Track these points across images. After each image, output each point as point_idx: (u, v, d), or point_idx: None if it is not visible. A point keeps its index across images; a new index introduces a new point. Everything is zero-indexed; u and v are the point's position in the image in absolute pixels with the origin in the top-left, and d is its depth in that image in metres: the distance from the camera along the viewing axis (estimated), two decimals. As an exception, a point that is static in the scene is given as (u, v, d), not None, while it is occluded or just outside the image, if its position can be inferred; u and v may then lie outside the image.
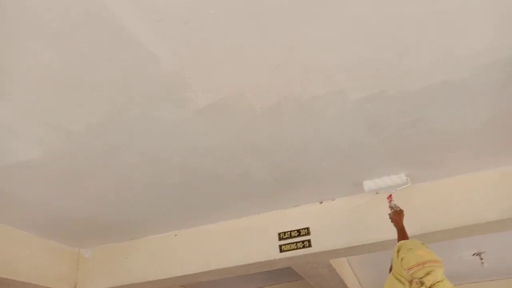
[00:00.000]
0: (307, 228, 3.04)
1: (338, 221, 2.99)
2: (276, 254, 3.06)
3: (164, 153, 2.24)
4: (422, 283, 1.55)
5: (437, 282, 1.54)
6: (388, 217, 2.70)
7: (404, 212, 2.53)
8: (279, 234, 3.09)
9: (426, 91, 1.88)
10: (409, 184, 2.66)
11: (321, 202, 3.09)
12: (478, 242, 4.37)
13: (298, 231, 3.06)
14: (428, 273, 1.56)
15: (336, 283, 4.04)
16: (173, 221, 3.20)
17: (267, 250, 3.08)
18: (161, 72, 1.63)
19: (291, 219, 3.10)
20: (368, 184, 2.75)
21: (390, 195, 2.65)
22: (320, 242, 2.98)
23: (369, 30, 1.52)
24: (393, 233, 2.72)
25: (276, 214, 3.15)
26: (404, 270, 1.61)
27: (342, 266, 4.16)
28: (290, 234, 3.07)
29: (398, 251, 1.71)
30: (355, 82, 1.80)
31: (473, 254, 4.78)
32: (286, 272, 4.40)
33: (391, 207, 2.58)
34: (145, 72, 1.63)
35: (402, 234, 2.31)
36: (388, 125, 2.14)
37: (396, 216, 2.45)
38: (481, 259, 4.77)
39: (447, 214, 2.70)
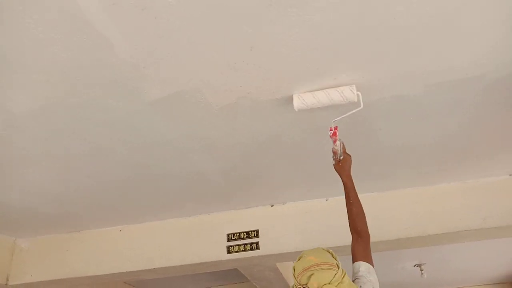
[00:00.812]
0: (257, 231, 3.04)
1: (288, 225, 3.01)
2: (223, 255, 3.03)
3: (111, 145, 2.14)
4: None
5: (324, 285, 1.42)
6: (336, 223, 2.75)
7: None
8: (228, 235, 3.07)
9: (379, 103, 1.92)
10: (361, 107, 1.77)
11: (272, 205, 3.10)
12: (419, 254, 4.55)
13: (247, 233, 3.05)
14: (309, 277, 1.46)
15: (282, 286, 4.06)
16: (118, 216, 3.08)
17: (214, 251, 3.05)
18: (113, 59, 1.55)
19: (241, 221, 3.08)
20: (301, 99, 1.79)
21: (335, 132, 1.75)
22: (268, 245, 2.99)
23: (328, 40, 1.53)
24: (341, 239, 2.77)
25: (226, 215, 3.12)
26: (295, 279, 1.52)
27: (289, 270, 4.18)
28: (239, 235, 3.06)
29: (298, 260, 1.59)
30: (312, 89, 1.80)
31: (414, 265, 4.97)
32: (232, 274, 4.37)
33: (335, 152, 1.83)
34: (96, 57, 1.55)
35: (352, 191, 1.81)
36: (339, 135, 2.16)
37: (339, 167, 1.85)
38: (421, 270, 4.97)
39: (391, 225, 2.78)
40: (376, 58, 1.64)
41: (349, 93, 1.75)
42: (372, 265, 1.66)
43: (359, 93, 1.76)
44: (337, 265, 1.52)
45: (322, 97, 1.78)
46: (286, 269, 3.96)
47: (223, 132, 2.09)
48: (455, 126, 2.15)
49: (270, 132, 2.11)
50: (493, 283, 6.08)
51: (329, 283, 1.45)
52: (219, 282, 5.28)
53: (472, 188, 2.82)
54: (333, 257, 1.58)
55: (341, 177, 1.85)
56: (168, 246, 3.13)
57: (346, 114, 1.81)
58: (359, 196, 1.83)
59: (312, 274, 1.48)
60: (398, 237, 2.78)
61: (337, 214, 2.91)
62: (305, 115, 2.00)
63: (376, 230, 2.79)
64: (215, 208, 3.08)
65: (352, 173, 2.03)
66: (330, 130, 1.77)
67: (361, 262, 1.67)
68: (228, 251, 3.02)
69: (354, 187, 1.82)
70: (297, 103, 1.80)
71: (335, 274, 1.48)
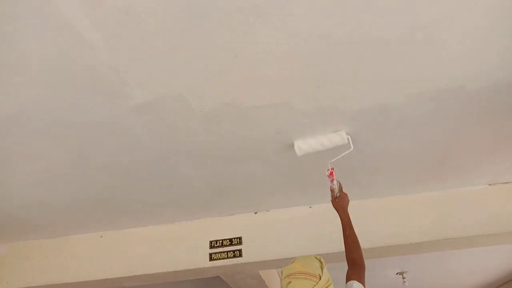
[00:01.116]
0: (240, 238, 3.02)
1: (271, 233, 3.00)
2: (206, 262, 3.00)
3: (91, 149, 2.10)
4: None
5: None
6: (320, 230, 2.76)
7: (336, 229, 2.44)
8: (211, 242, 3.04)
9: (360, 112, 1.94)
10: (352, 149, 2.07)
11: (255, 213, 3.08)
12: (401, 262, 4.58)
13: (230, 240, 3.03)
14: (287, 285, 1.57)
15: (264, 294, 4.03)
16: (99, 222, 3.02)
17: (196, 258, 3.02)
18: (95, 62, 1.54)
19: (224, 228, 3.06)
20: (300, 145, 2.12)
21: (332, 172, 2.03)
22: (251, 252, 2.97)
23: (309, 49, 1.55)
24: (325, 247, 2.78)
25: (209, 222, 3.09)
26: (281, 282, 1.63)
27: (272, 278, 4.17)
28: (222, 242, 3.03)
29: (289, 264, 1.69)
30: (296, 96, 1.81)
31: (396, 273, 5.01)
32: (215, 282, 4.33)
33: (332, 190, 2.04)
34: (79, 61, 1.53)
35: (348, 225, 1.94)
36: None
37: (336, 204, 2.02)
38: (403, 278, 5.01)
39: (373, 233, 2.79)
40: (357, 66, 1.66)
41: (341, 138, 2.07)
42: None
43: (349, 137, 2.07)
44: (319, 276, 1.56)
45: (320, 143, 2.10)
46: (269, 277, 3.94)
47: (207, 138, 2.08)
48: (435, 135, 2.18)
49: (254, 138, 2.11)
50: (474, 291, 6.15)
51: None
52: (201, 289, 5.21)
53: (452, 197, 2.86)
54: (321, 267, 1.62)
55: (338, 213, 2.00)
56: (150, 253, 3.08)
57: (340, 156, 2.09)
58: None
59: (290, 282, 1.57)
60: (380, 245, 2.79)
61: (320, 222, 2.92)
62: (290, 124, 2.01)
63: (358, 238, 2.82)
64: (198, 215, 3.05)
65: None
66: (328, 171, 2.01)
67: (355, 281, 1.72)
68: (211, 259, 2.99)
69: (350, 221, 1.95)
70: (298, 152, 2.13)
71: (314, 285, 1.53)
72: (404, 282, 5.00)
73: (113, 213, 2.90)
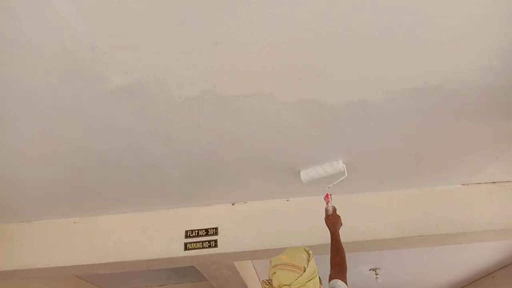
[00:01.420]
0: (216, 228, 3.01)
1: (248, 224, 3.00)
2: (180, 252, 2.98)
3: (66, 132, 2.05)
4: (270, 284, 1.66)
5: (284, 285, 1.59)
6: (296, 223, 2.79)
7: (312, 223, 2.52)
8: (186, 231, 3.02)
9: (342, 107, 1.94)
10: (346, 175, 2.43)
11: (233, 204, 3.08)
12: (374, 258, 4.66)
13: (206, 230, 3.02)
14: (272, 275, 1.65)
15: (239, 286, 4.05)
16: (73, 207, 2.96)
17: (171, 247, 3.00)
18: (73, 42, 1.49)
19: (201, 218, 3.05)
20: (306, 173, 2.50)
21: (327, 195, 2.33)
22: (226, 243, 2.97)
23: (291, 40, 1.54)
24: (300, 239, 2.79)
25: (186, 211, 3.07)
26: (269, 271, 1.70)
27: (247, 269, 4.18)
28: (198, 232, 3.02)
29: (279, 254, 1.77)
30: (277, 87, 1.80)
31: (370, 269, 5.10)
32: (190, 272, 4.33)
33: (327, 210, 2.30)
34: (55, 40, 1.48)
35: (336, 238, 2.14)
36: (299, 135, 2.19)
37: (328, 221, 2.25)
38: (376, 274, 5.10)
39: (348, 228, 2.80)
40: (341, 61, 1.66)
41: (339, 166, 2.42)
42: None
43: (344, 165, 2.43)
44: (304, 268, 1.62)
45: (321, 171, 2.47)
46: (244, 268, 3.96)
47: (185, 126, 2.05)
48: (413, 133, 2.21)
49: (233, 128, 2.10)
50: (444, 289, 6.30)
51: (288, 285, 1.57)
52: (175, 280, 5.20)
53: (427, 195, 2.91)
54: (307, 259, 1.68)
55: (328, 228, 2.22)
56: (124, 241, 3.05)
57: (335, 182, 2.43)
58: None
59: (274, 273, 1.64)
60: (354, 240, 2.82)
61: (297, 215, 2.94)
62: (271, 116, 2.00)
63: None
64: (174, 204, 3.03)
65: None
66: (324, 193, 2.34)
67: (338, 279, 1.82)
68: (186, 248, 2.98)
69: (339, 236, 2.17)
70: (304, 179, 2.51)
71: (298, 277, 1.59)
72: (377, 278, 5.10)
73: (87, 199, 2.85)
